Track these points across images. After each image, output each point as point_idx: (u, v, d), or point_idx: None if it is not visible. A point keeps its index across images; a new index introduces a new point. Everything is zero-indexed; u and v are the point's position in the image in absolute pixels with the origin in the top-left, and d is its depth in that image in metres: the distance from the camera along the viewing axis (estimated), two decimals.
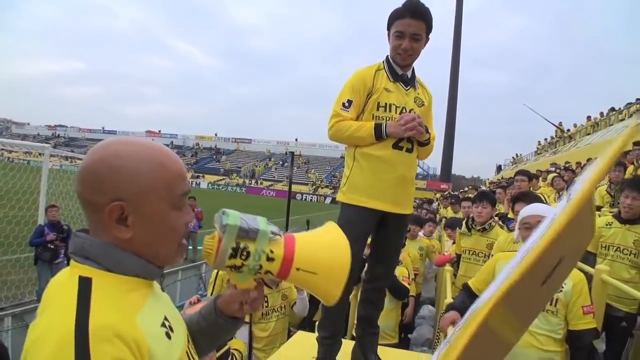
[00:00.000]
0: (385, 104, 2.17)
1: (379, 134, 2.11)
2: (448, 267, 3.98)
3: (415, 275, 5.17)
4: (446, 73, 49.83)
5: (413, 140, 2.19)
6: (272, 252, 0.97)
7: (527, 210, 2.53)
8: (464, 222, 4.27)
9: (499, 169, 43.31)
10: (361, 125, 2.15)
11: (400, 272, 4.03)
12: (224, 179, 62.68)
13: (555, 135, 32.02)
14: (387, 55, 2.25)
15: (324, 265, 1.01)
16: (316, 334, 2.41)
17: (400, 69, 2.21)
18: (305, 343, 2.52)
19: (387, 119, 2.16)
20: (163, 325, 0.86)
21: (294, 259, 0.99)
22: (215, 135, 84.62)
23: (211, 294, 3.38)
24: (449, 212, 10.30)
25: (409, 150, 2.19)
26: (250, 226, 0.96)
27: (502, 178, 27.56)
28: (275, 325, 3.37)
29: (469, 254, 4.03)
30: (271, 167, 69.32)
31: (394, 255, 2.44)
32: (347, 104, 2.17)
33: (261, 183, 61.52)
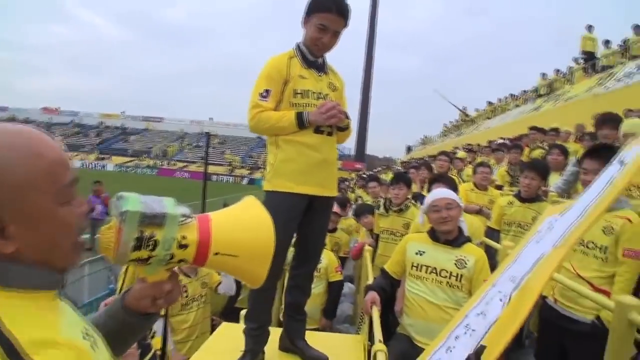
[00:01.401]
0: (302, 90, 2.20)
1: (302, 123, 2.13)
2: (367, 247, 4.10)
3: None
4: (361, 57, 51.11)
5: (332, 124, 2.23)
6: (184, 237, 0.87)
7: (437, 193, 2.68)
8: (381, 204, 4.42)
9: (408, 149, 45.77)
10: (282, 115, 2.15)
11: (331, 261, 4.07)
12: (133, 161, 59.04)
13: (460, 119, 34.48)
14: (298, 43, 2.28)
15: (246, 245, 0.94)
16: (242, 324, 2.35)
17: (312, 56, 2.25)
18: (231, 335, 2.44)
19: (306, 105, 2.19)
20: (85, 337, 0.76)
21: (210, 243, 0.89)
22: (123, 113, 79.04)
23: (121, 289, 3.14)
24: (364, 194, 10.52)
25: (330, 134, 2.24)
26: (155, 210, 0.84)
27: (412, 158, 29.21)
28: (196, 316, 3.25)
29: (387, 234, 4.20)
30: (184, 148, 66.56)
31: (321, 239, 2.46)
32: (265, 94, 2.16)
33: (174, 164, 58.88)
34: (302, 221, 2.22)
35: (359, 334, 3.10)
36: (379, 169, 27.58)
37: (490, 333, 1.15)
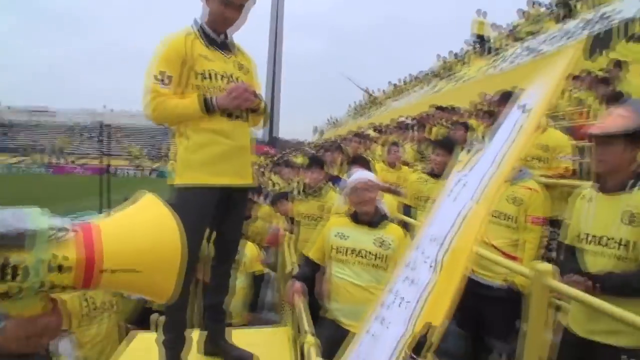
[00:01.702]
0: (207, 72, 2.00)
1: (208, 108, 1.94)
2: (284, 233, 4.02)
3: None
4: (266, 39, 50.35)
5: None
6: (62, 257, 0.68)
7: (356, 176, 2.65)
8: (298, 189, 4.35)
9: (317, 130, 46.34)
10: (184, 101, 1.95)
11: (252, 253, 3.96)
12: (20, 159, 52.68)
13: (365, 100, 35.58)
14: (197, 19, 2.07)
15: (148, 257, 0.77)
16: (155, 333, 2.14)
17: (215, 34, 2.06)
18: (145, 347, 2.21)
19: (214, 89, 2.00)
20: None
21: (102, 259, 0.71)
22: (8, 108, 69.75)
23: None
24: (272, 176, 10.25)
25: (243, 118, 2.08)
26: (11, 227, 0.64)
27: (324, 140, 29.65)
28: (107, 327, 2.94)
29: (307, 219, 4.13)
30: (80, 141, 60.91)
31: (239, 233, 2.32)
32: (163, 79, 1.93)
33: (73, 161, 53.64)
34: (217, 215, 2.04)
35: (283, 323, 3.02)
36: (288, 151, 27.60)
37: (428, 304, 1.07)
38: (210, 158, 1.97)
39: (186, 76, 1.97)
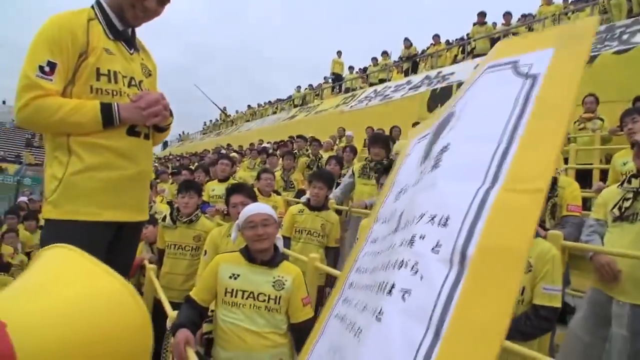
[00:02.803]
0: (109, 72, 1.57)
1: (110, 120, 1.51)
2: (150, 266, 3.53)
3: None
4: None
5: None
6: None
7: (253, 208, 2.44)
8: (167, 214, 3.90)
9: (165, 144, 43.77)
10: (79, 105, 1.48)
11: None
12: None
13: (220, 119, 34.98)
14: (100, 1, 1.63)
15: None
16: None
17: (121, 24, 1.65)
18: None
19: (115, 93, 1.57)
20: None
21: None
22: None
23: None
24: None
25: (147, 137, 1.69)
26: None
27: (170, 154, 27.92)
28: None
29: (174, 248, 3.70)
30: None
31: (127, 273, 1.94)
32: (48, 69, 1.46)
33: None
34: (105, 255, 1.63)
35: None
36: None
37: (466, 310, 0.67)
38: (104, 186, 1.54)
39: (82, 73, 1.52)
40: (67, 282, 0.55)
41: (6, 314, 0.47)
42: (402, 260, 0.85)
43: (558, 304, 1.89)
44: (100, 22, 1.59)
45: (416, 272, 0.79)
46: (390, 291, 0.84)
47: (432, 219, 0.82)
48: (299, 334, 2.33)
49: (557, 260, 1.94)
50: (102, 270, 0.57)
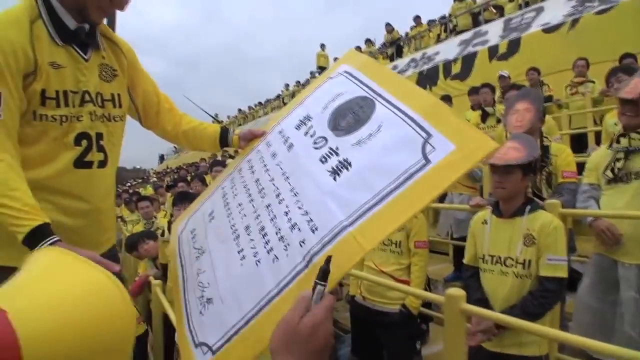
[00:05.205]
0: (58, 93, 1.26)
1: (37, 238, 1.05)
2: (156, 282, 3.52)
3: None
4: None
5: (108, 143, 1.42)
6: None
7: None
8: (166, 229, 3.89)
9: (161, 158, 43.77)
10: (13, 202, 1.08)
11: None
12: None
13: None
14: None
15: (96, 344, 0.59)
16: None
17: (73, 20, 1.29)
18: None
19: (63, 119, 1.28)
20: None
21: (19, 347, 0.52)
22: None
23: None
24: (124, 212, 9.29)
25: (103, 164, 1.42)
26: None
27: (167, 167, 27.94)
28: None
29: None
30: None
31: None
32: None
33: None
34: None
35: None
36: (134, 182, 25.30)
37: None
38: (57, 231, 1.13)
39: (26, 98, 1.21)
40: (59, 275, 0.66)
41: (6, 303, 0.56)
42: (278, 228, 1.05)
43: (564, 274, 1.89)
44: (44, 21, 1.24)
45: (287, 246, 0.99)
46: (265, 234, 1.07)
47: (309, 218, 0.99)
48: None
49: (560, 231, 1.94)
50: (88, 264, 0.66)
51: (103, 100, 1.39)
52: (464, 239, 4.38)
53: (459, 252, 4.25)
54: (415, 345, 2.66)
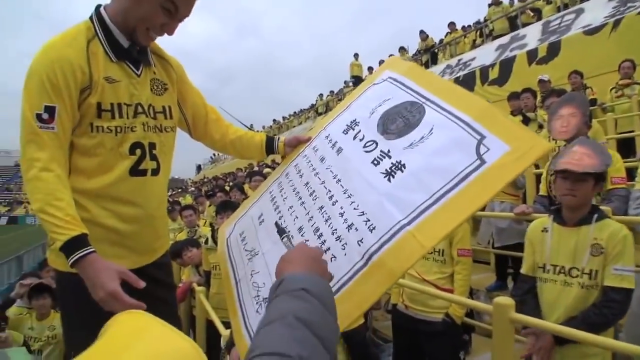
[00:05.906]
0: (113, 105, 1.35)
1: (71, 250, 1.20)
2: (199, 288, 3.62)
3: None
4: None
5: (161, 153, 1.49)
6: None
7: None
8: (209, 237, 3.99)
9: (199, 168, 44.84)
10: (58, 212, 1.20)
11: None
12: None
13: None
14: (102, 14, 1.37)
15: None
16: None
17: (126, 38, 1.38)
18: None
19: (118, 130, 1.37)
20: None
21: None
22: None
23: None
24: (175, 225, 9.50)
25: (156, 172, 1.49)
26: None
27: (204, 177, 28.59)
28: None
29: (219, 269, 3.78)
30: None
31: (173, 307, 1.83)
32: (46, 117, 1.25)
33: None
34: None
35: None
36: (173, 191, 26.00)
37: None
38: (108, 236, 1.40)
39: (84, 111, 1.32)
40: (141, 342, 0.59)
41: None
42: (334, 228, 1.09)
43: (630, 285, 1.80)
44: (100, 40, 1.35)
45: (344, 245, 1.03)
46: (320, 234, 1.11)
47: (367, 219, 1.02)
48: None
49: (629, 240, 1.86)
50: (173, 331, 0.62)
51: (155, 112, 1.48)
52: (505, 247, 4.33)
53: (501, 261, 4.22)
54: (459, 356, 2.62)
